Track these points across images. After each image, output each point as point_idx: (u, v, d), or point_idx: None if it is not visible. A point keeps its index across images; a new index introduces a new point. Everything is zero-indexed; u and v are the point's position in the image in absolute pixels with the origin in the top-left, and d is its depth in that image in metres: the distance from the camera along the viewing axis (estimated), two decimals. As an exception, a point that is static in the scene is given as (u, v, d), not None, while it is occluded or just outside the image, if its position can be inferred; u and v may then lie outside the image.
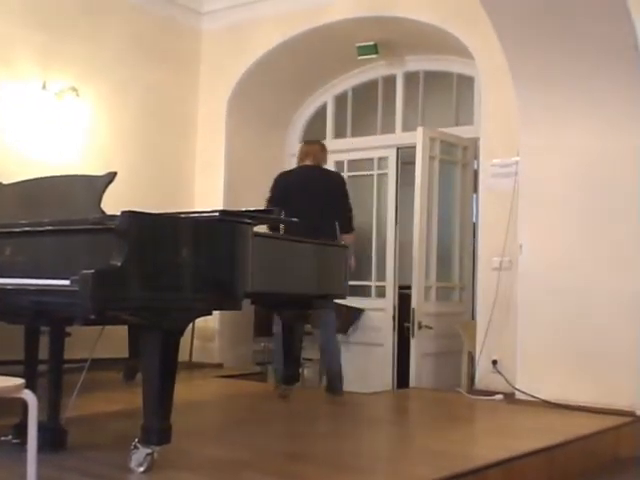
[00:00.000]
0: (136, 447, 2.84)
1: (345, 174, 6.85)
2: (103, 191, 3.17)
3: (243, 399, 5.03)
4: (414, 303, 5.62)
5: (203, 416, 4.35)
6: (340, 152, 6.89)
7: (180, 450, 3.09)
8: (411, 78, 6.58)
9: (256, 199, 6.01)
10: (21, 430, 2.82)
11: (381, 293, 6.49)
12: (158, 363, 2.83)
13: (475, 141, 5.90)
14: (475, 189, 5.95)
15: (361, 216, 6.65)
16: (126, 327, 4.79)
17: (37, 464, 2.42)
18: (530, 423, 4.25)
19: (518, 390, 4.82)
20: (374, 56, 6.28)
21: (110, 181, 3.19)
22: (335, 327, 5.20)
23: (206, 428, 3.97)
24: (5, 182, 3.64)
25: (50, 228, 2.95)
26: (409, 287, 5.79)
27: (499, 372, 5.10)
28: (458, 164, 6.09)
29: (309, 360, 6.38)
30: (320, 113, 7.11)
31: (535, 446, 3.50)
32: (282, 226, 4.82)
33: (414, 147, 5.77)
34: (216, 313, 4.88)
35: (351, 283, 4.96)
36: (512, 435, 3.93)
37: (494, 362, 5.16)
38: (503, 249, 5.16)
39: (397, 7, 5.78)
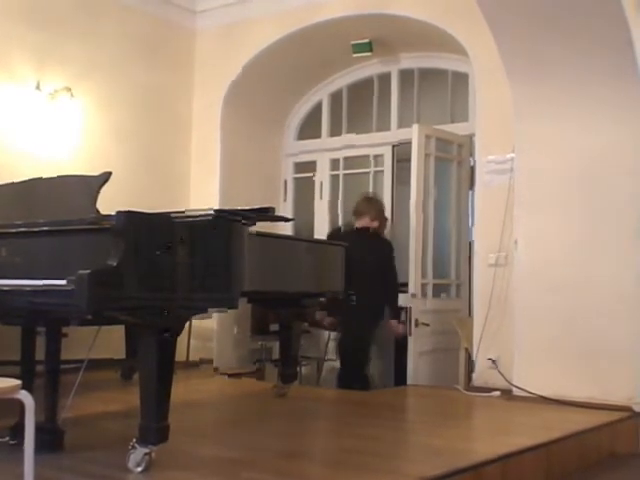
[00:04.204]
0: (134, 447, 2.84)
1: (341, 172, 6.87)
2: (98, 191, 3.17)
3: (241, 398, 5.03)
4: (411, 300, 5.62)
5: (201, 415, 4.34)
6: (336, 150, 6.89)
7: (178, 450, 3.09)
8: (406, 75, 6.57)
9: (252, 198, 6.02)
10: (18, 431, 2.81)
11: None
12: (155, 363, 2.83)
13: (470, 138, 5.91)
14: (471, 186, 5.96)
15: (357, 214, 6.66)
16: (123, 327, 4.80)
17: (34, 465, 2.42)
18: (527, 419, 4.25)
19: (515, 386, 4.82)
20: (369, 54, 6.28)
21: (105, 181, 3.19)
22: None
23: (204, 427, 3.98)
24: None
25: (46, 228, 2.95)
26: (406, 284, 5.79)
27: (496, 368, 5.10)
28: (454, 161, 6.09)
29: (307, 358, 6.38)
30: (315, 111, 7.10)
31: (532, 442, 3.51)
32: None
33: (410, 144, 5.77)
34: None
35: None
36: (510, 431, 3.94)
37: (491, 359, 5.16)
38: (499, 245, 5.17)
39: (391, 4, 5.78)
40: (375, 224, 5.70)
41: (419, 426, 4.24)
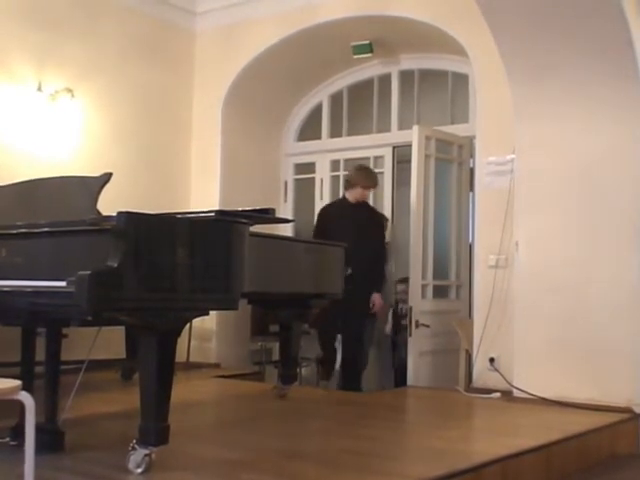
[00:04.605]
0: (134, 448, 2.84)
1: (341, 173, 6.87)
2: (99, 192, 3.18)
3: (241, 399, 5.03)
4: (411, 301, 5.63)
5: (201, 416, 4.34)
6: (336, 151, 6.90)
7: (178, 451, 3.09)
8: (406, 77, 6.58)
9: (252, 199, 6.03)
10: (18, 432, 2.82)
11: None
12: (155, 363, 2.83)
13: (471, 139, 5.91)
14: (471, 187, 5.96)
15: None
16: (123, 328, 4.80)
17: (35, 465, 2.42)
18: (528, 421, 4.25)
19: (515, 388, 4.82)
20: (369, 55, 6.28)
21: (106, 182, 3.19)
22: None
23: (204, 428, 3.97)
24: (0, 184, 3.64)
25: (46, 229, 2.95)
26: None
27: (496, 370, 5.10)
28: (454, 162, 6.09)
29: (307, 359, 6.38)
30: (316, 112, 7.10)
31: (533, 443, 3.51)
32: None
33: (410, 146, 5.77)
34: (213, 313, 4.89)
35: (348, 282, 4.97)
36: (510, 433, 3.93)
37: (491, 360, 5.16)
38: (499, 247, 5.17)
39: (391, 6, 5.78)
40: (368, 195, 5.64)
41: (419, 427, 4.24)
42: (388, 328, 5.71)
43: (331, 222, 5.57)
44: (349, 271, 4.73)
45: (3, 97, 5.35)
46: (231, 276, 3.06)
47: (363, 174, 5.68)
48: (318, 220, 5.82)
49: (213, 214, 3.08)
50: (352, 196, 5.64)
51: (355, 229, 5.34)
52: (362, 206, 5.65)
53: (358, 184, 5.61)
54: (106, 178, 3.19)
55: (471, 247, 5.85)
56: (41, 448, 2.58)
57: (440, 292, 5.99)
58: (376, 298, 5.56)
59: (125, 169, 5.62)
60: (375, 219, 5.75)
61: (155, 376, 2.83)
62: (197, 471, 2.96)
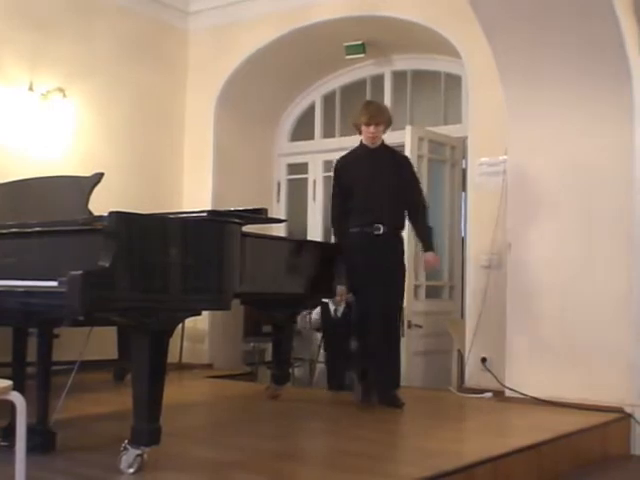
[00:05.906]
0: (126, 448, 2.83)
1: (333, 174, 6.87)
2: (90, 192, 3.16)
3: (233, 400, 5.02)
4: (404, 302, 5.62)
5: (193, 417, 4.34)
6: (329, 152, 6.88)
7: (170, 451, 3.08)
8: (399, 77, 6.59)
9: (245, 199, 6.02)
10: (9, 432, 2.80)
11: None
12: (147, 364, 2.82)
13: (463, 140, 5.92)
14: (464, 188, 5.97)
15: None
16: (115, 328, 4.80)
17: (26, 466, 2.41)
18: (519, 420, 4.26)
19: (507, 388, 4.83)
20: (362, 55, 6.29)
21: (97, 182, 3.17)
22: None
23: (196, 429, 3.96)
24: (-9, 183, 3.62)
25: (38, 229, 2.94)
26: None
27: (488, 370, 5.12)
28: (447, 163, 6.11)
29: (299, 360, 6.38)
30: (308, 112, 7.11)
31: (524, 443, 3.52)
32: None
33: (403, 146, 5.77)
34: (205, 313, 4.89)
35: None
36: (501, 432, 3.94)
37: (483, 360, 5.17)
38: (492, 247, 5.18)
39: (384, 6, 5.79)
40: (375, 133, 4.59)
41: (411, 428, 4.24)
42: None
43: (348, 173, 4.63)
44: (381, 230, 4.34)
45: (-6, 97, 5.34)
46: (223, 276, 3.05)
47: (357, 111, 4.67)
48: (334, 176, 4.79)
49: (205, 214, 3.08)
50: (365, 140, 4.64)
51: (378, 177, 4.50)
52: (380, 149, 4.65)
53: (359, 124, 4.62)
54: (97, 178, 3.17)
55: (463, 247, 5.87)
56: (32, 449, 2.58)
57: (433, 292, 6.00)
58: (430, 257, 4.60)
59: (117, 169, 5.61)
60: (397, 160, 4.69)
61: (147, 376, 2.83)
62: (189, 472, 2.96)
